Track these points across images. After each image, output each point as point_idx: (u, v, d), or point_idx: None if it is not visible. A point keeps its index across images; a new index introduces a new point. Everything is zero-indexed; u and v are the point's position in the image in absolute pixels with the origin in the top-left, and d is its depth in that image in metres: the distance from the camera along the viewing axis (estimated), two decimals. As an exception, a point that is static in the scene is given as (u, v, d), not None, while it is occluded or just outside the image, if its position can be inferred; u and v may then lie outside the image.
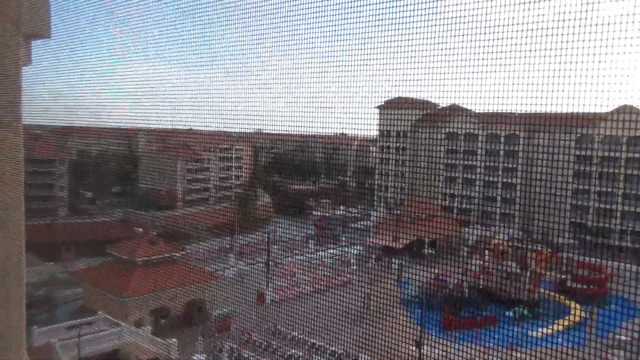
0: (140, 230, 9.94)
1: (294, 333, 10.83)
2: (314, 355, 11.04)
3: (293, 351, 11.40)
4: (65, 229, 12.17)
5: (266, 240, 11.32)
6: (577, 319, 12.94)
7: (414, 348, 8.89)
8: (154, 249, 9.20)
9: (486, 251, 14.08)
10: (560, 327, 10.23)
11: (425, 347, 9.62)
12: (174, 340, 10.81)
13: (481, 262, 14.34)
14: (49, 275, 13.42)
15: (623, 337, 8.94)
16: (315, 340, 10.18)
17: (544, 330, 9.79)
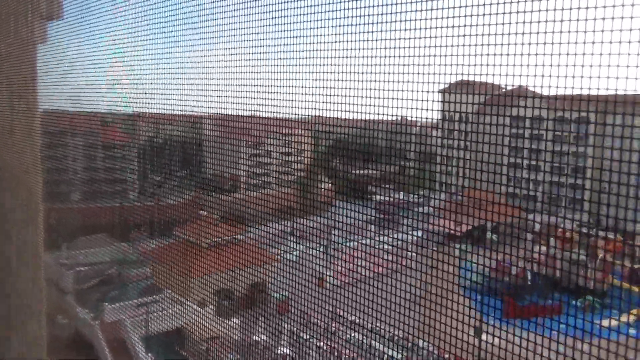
0: (205, 212, 10.25)
1: (353, 317, 10.89)
2: (372, 339, 11.09)
3: (352, 334, 11.49)
4: (135, 211, 12.70)
5: (326, 224, 11.38)
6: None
7: (473, 335, 8.75)
8: (218, 231, 9.46)
9: (552, 238, 13.55)
10: (631, 318, 9.78)
11: (484, 335, 9.45)
12: (236, 320, 11.12)
13: (546, 249, 13.83)
14: (120, 254, 14.06)
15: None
16: (373, 324, 10.20)
17: (613, 320, 9.39)
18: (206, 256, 7.90)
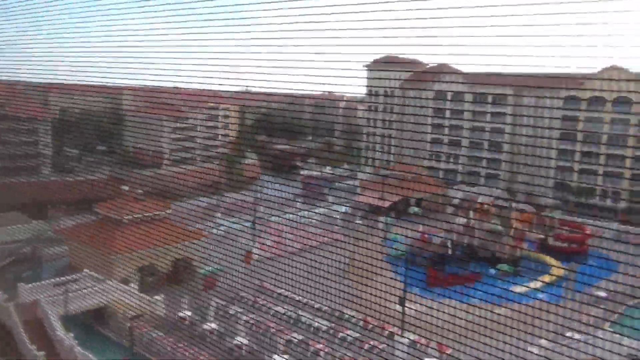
0: (127, 188, 9.89)
1: (280, 290, 11.00)
2: (300, 312, 11.25)
3: (279, 308, 11.59)
4: (52, 187, 12.08)
5: (253, 199, 11.34)
6: (557, 275, 13.33)
7: (397, 305, 9.07)
8: (140, 207, 9.19)
9: (470, 210, 14.21)
10: (541, 284, 10.51)
11: (408, 304, 9.85)
12: (160, 297, 10.92)
13: (465, 221, 14.53)
14: (35, 232, 13.37)
15: (601, 293, 9.21)
16: (301, 297, 10.34)
17: (526, 286, 10.05)
18: (129, 233, 7.67)
